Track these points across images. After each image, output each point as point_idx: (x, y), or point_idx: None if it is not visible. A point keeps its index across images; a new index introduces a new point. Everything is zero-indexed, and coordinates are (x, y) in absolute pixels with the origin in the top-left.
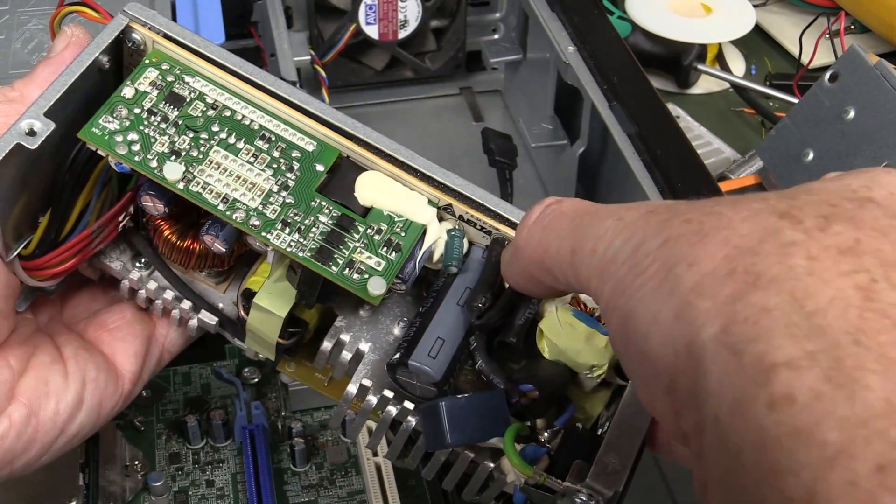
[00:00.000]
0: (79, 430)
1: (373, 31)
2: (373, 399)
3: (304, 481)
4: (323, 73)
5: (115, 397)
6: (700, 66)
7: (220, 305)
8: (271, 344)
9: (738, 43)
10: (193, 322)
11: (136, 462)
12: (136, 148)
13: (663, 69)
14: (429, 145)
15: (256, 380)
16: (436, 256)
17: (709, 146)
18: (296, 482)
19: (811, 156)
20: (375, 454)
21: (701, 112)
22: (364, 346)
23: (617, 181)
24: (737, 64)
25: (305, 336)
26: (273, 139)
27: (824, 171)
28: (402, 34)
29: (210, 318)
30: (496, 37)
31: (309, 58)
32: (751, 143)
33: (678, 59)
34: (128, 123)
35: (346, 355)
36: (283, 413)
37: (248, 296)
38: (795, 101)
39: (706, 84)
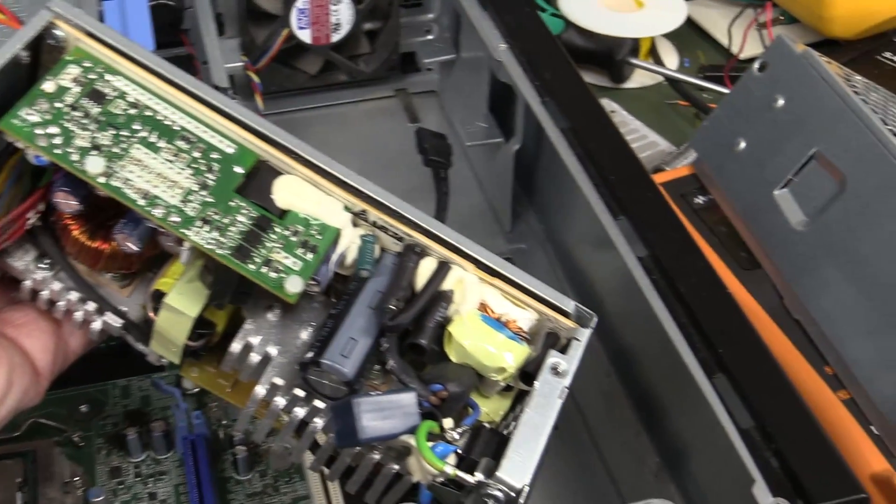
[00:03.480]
0: (5, 414)
1: (305, 36)
2: (281, 400)
3: (248, 489)
4: (256, 79)
5: (35, 387)
6: (634, 61)
7: (125, 308)
8: (178, 346)
9: (671, 36)
10: (97, 325)
11: (76, 478)
12: (57, 141)
13: (597, 64)
14: (365, 148)
15: (196, 389)
16: (349, 260)
17: (644, 139)
18: (240, 491)
19: (743, 145)
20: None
21: (636, 106)
22: (272, 350)
23: (552, 176)
24: (670, 57)
25: (212, 339)
26: (194, 140)
27: (757, 159)
28: (335, 37)
29: (115, 321)
30: (430, 37)
31: (241, 64)
32: (686, 135)
33: (612, 55)
34: (49, 117)
35: (255, 358)
36: (224, 422)
37: (157, 296)
38: (728, 91)
39: (640, 78)
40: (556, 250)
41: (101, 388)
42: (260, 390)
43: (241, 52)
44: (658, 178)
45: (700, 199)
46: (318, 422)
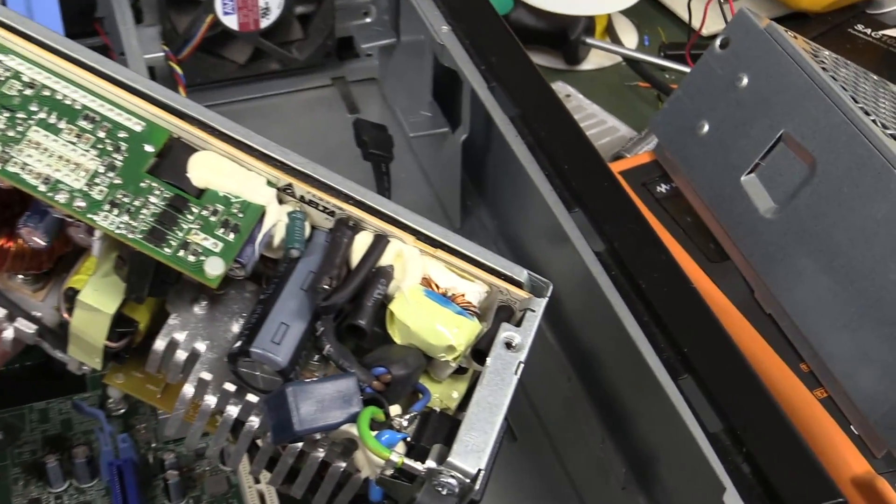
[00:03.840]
0: None
1: (232, 22)
2: (212, 398)
3: None
4: (179, 70)
5: None
6: (589, 40)
7: (39, 314)
8: (98, 348)
9: (629, 13)
10: (8, 333)
11: None
12: None
13: (550, 45)
14: (301, 141)
15: (122, 410)
16: (276, 241)
17: (603, 125)
18: None
19: (707, 128)
20: (258, 481)
21: (593, 89)
22: (200, 346)
23: (502, 168)
24: (629, 36)
25: (136, 338)
26: (98, 119)
27: (721, 143)
28: (264, 23)
29: (27, 328)
30: (368, 20)
31: (162, 54)
32: (647, 119)
33: (565, 34)
34: None
35: (182, 355)
36: (153, 444)
37: (71, 295)
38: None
39: (597, 59)
40: (508, 246)
41: (16, 412)
42: (188, 389)
43: (162, 42)
44: (616, 167)
45: (662, 188)
46: (255, 420)
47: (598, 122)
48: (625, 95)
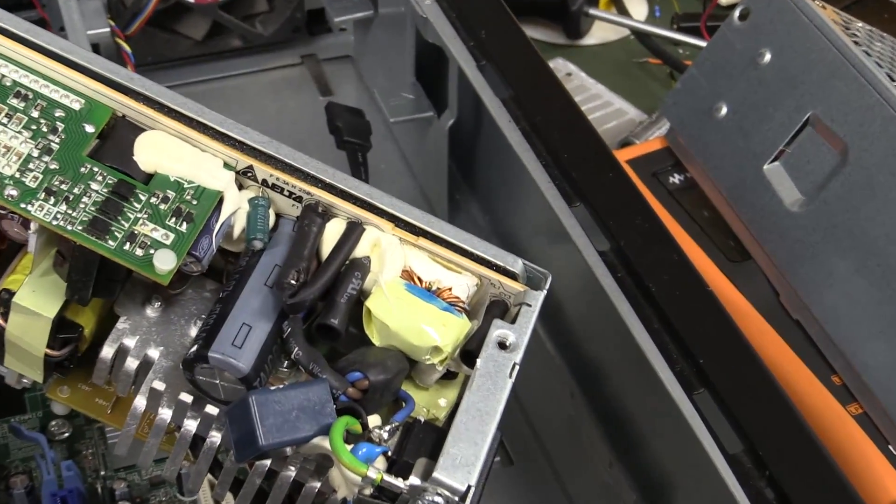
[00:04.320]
0: None
1: None
2: (166, 412)
3: None
4: (127, 47)
5: None
6: (592, 11)
7: None
8: (38, 358)
9: None
10: None
11: None
12: None
13: (547, 17)
14: (266, 128)
15: (66, 434)
16: (236, 232)
17: (609, 107)
18: None
19: (725, 110)
20: None
21: (597, 66)
22: (154, 352)
23: (494, 157)
24: (637, 5)
25: (81, 346)
26: (31, 97)
27: (741, 127)
28: None
29: None
30: None
31: (108, 30)
32: (659, 100)
33: (564, 4)
34: None
35: (132, 363)
36: (102, 472)
37: (6, 298)
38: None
39: (601, 32)
40: (502, 245)
41: None
42: (140, 402)
43: (108, 15)
44: (623, 155)
45: (676, 179)
46: (216, 435)
47: (603, 104)
48: (633, 73)
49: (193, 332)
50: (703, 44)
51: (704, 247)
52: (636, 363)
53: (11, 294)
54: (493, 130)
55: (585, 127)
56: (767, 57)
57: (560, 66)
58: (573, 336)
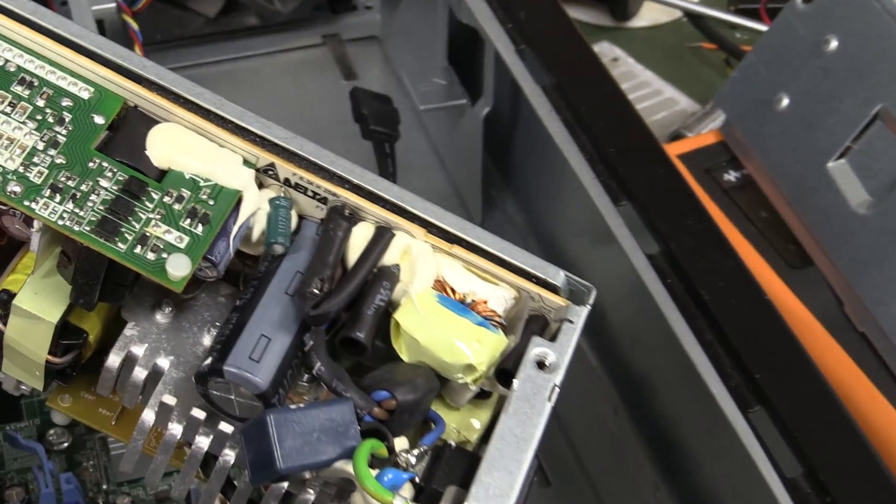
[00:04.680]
0: None
1: None
2: (177, 427)
3: None
4: (135, 24)
5: None
6: None
7: None
8: (39, 364)
9: None
10: None
11: None
12: None
13: None
14: (284, 115)
15: (66, 444)
16: (255, 235)
17: (658, 96)
18: None
19: (786, 102)
20: None
21: (646, 51)
22: (163, 362)
23: (533, 150)
24: None
25: (84, 353)
26: (36, 84)
27: (804, 120)
28: None
29: None
30: None
31: (114, 5)
32: (713, 89)
33: None
34: None
35: (140, 374)
36: (104, 486)
37: (5, 299)
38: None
39: (651, 14)
40: (540, 246)
41: None
42: (148, 416)
43: None
44: (674, 149)
45: (731, 176)
46: (229, 454)
47: (653, 93)
48: (685, 59)
49: (206, 340)
50: (763, 28)
51: (762, 251)
52: (686, 377)
53: (11, 296)
54: (533, 121)
55: (633, 118)
56: (833, 44)
57: (606, 50)
58: (617, 346)
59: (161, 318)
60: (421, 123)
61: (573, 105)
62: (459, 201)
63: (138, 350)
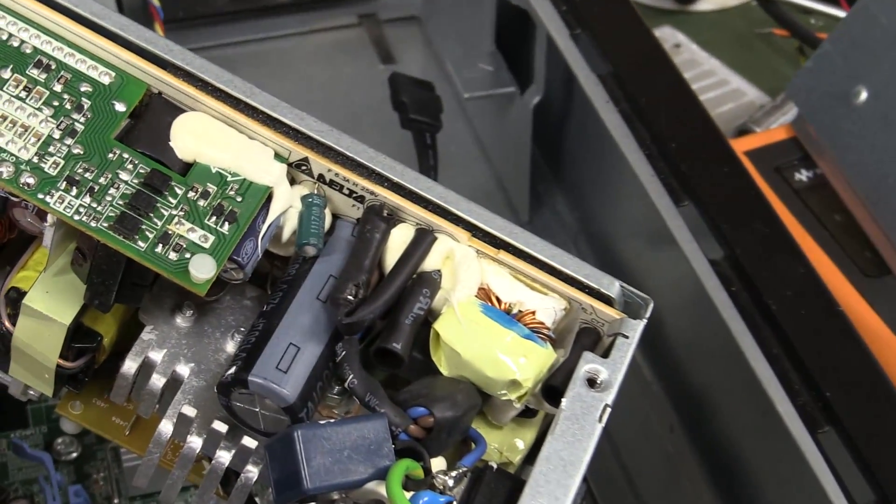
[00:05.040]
0: None
1: None
2: (196, 440)
3: None
4: (156, 1)
5: None
6: None
7: None
8: (49, 368)
9: None
10: None
11: None
12: None
13: None
14: (315, 102)
15: (75, 454)
16: (286, 235)
17: (724, 86)
18: None
19: (864, 95)
20: None
21: (712, 37)
22: (183, 369)
23: (587, 142)
24: None
25: (98, 357)
26: (54, 68)
27: (883, 116)
28: None
29: None
30: None
31: None
32: (785, 79)
33: None
34: None
35: (158, 381)
36: (115, 501)
37: (15, 297)
38: (843, 16)
39: None
40: (592, 249)
41: None
42: (166, 427)
43: None
44: (741, 145)
45: (803, 175)
46: (252, 470)
47: (718, 83)
48: (754, 47)
49: (230, 347)
50: (840, 14)
51: (835, 257)
52: (750, 394)
53: (21, 294)
54: (587, 112)
55: (697, 110)
56: None
57: (668, 35)
58: (675, 359)
59: (181, 321)
60: (465, 113)
61: (631, 95)
62: (505, 198)
63: (156, 356)
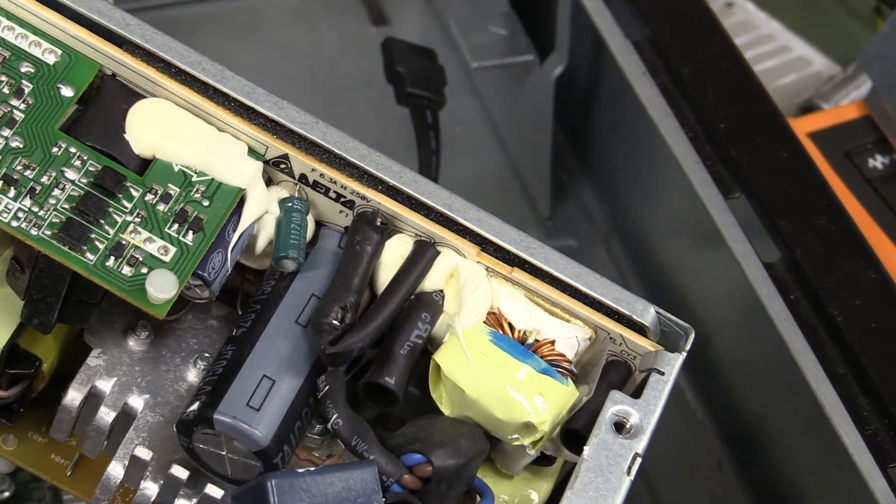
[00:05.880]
0: None
1: None
2: (151, 487)
3: None
4: None
5: None
6: None
7: None
8: None
9: None
10: None
11: None
12: None
13: None
14: (294, 71)
15: (7, 494)
16: (260, 245)
17: (786, 53)
18: None
19: None
20: None
21: None
22: (136, 401)
23: (620, 122)
24: None
25: (37, 384)
26: None
27: None
28: None
29: None
30: None
31: None
32: (858, 46)
33: None
34: None
35: (107, 416)
36: None
37: None
38: None
39: None
40: (625, 249)
41: None
42: (115, 470)
43: None
44: (804, 125)
45: (877, 161)
46: None
47: (779, 50)
48: (822, 7)
49: (192, 377)
50: None
51: None
52: (811, 422)
53: None
54: (620, 85)
55: (751, 83)
56: None
57: None
58: (723, 382)
59: (135, 344)
60: (473, 86)
61: (673, 66)
62: (521, 189)
63: (105, 385)
